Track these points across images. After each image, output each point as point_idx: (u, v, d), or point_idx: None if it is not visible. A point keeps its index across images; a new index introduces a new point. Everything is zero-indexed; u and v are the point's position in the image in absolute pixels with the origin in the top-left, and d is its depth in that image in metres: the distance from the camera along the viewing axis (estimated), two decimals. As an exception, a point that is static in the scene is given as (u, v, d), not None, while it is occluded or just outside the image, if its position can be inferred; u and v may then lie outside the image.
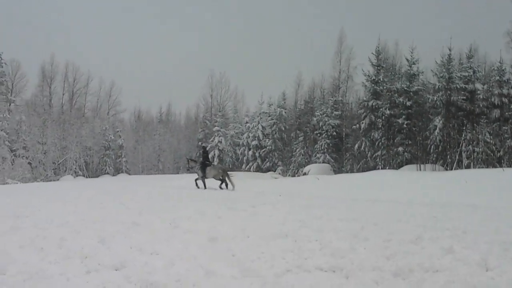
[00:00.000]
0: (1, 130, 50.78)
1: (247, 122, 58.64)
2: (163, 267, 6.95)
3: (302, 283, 6.44)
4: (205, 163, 23.47)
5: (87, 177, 55.09)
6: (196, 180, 23.59)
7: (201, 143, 30.55)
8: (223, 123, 62.73)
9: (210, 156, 57.66)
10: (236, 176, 25.59)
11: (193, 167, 24.04)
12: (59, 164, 55.50)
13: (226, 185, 23.10)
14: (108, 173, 58.14)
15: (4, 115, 52.76)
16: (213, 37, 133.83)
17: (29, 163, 50.41)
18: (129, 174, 59.73)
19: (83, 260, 7.33)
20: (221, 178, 23.32)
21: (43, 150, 53.31)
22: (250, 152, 55.95)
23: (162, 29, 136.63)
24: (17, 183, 40.17)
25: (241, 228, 9.54)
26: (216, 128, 60.19)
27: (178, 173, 61.21)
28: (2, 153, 48.42)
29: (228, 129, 61.95)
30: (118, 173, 59.30)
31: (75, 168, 56.25)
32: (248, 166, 55.36)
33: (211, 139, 60.46)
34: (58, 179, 50.16)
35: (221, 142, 59.13)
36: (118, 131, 61.40)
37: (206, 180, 23.22)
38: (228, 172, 24.13)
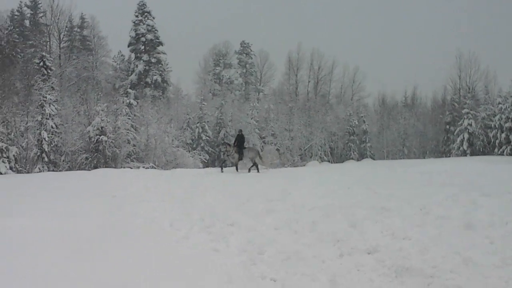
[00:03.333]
0: (252, 119, 54.35)
1: (499, 103, 54.60)
2: (417, 253, 6.82)
3: None
4: (241, 147, 24.23)
5: (331, 163, 56.15)
6: (235, 165, 24.30)
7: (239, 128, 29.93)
8: (473, 105, 59.35)
9: (459, 140, 55.43)
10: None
11: (229, 151, 24.28)
12: (305, 150, 57.35)
13: (257, 168, 24.06)
14: (352, 158, 58.59)
15: (254, 104, 56.43)
16: (460, 16, 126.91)
17: (277, 149, 52.84)
18: (374, 159, 59.57)
19: (335, 243, 7.52)
20: (257, 160, 24.44)
21: (290, 136, 55.53)
22: (503, 135, 52.22)
23: (404, 9, 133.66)
24: (266, 169, 42.53)
25: (498, 215, 8.90)
26: (465, 110, 57.09)
27: (424, 158, 59.60)
28: (252, 140, 51.80)
29: (479, 111, 58.44)
30: (363, 158, 59.52)
31: (321, 154, 57.59)
32: (500, 150, 51.84)
33: (460, 122, 57.62)
34: (304, 165, 51.70)
35: (471, 125, 56.03)
36: (362, 117, 61.31)
37: (241, 162, 24.42)
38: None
